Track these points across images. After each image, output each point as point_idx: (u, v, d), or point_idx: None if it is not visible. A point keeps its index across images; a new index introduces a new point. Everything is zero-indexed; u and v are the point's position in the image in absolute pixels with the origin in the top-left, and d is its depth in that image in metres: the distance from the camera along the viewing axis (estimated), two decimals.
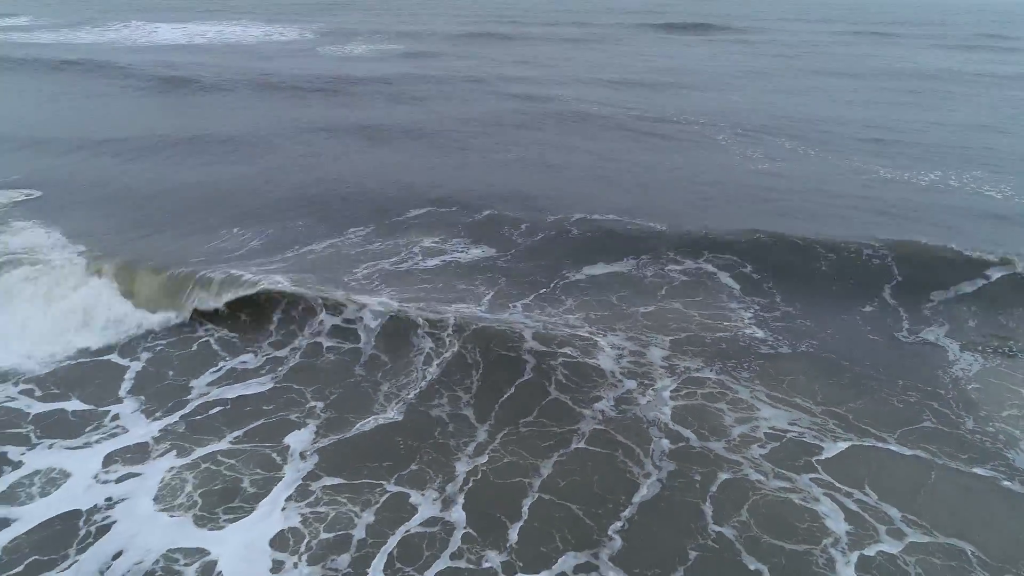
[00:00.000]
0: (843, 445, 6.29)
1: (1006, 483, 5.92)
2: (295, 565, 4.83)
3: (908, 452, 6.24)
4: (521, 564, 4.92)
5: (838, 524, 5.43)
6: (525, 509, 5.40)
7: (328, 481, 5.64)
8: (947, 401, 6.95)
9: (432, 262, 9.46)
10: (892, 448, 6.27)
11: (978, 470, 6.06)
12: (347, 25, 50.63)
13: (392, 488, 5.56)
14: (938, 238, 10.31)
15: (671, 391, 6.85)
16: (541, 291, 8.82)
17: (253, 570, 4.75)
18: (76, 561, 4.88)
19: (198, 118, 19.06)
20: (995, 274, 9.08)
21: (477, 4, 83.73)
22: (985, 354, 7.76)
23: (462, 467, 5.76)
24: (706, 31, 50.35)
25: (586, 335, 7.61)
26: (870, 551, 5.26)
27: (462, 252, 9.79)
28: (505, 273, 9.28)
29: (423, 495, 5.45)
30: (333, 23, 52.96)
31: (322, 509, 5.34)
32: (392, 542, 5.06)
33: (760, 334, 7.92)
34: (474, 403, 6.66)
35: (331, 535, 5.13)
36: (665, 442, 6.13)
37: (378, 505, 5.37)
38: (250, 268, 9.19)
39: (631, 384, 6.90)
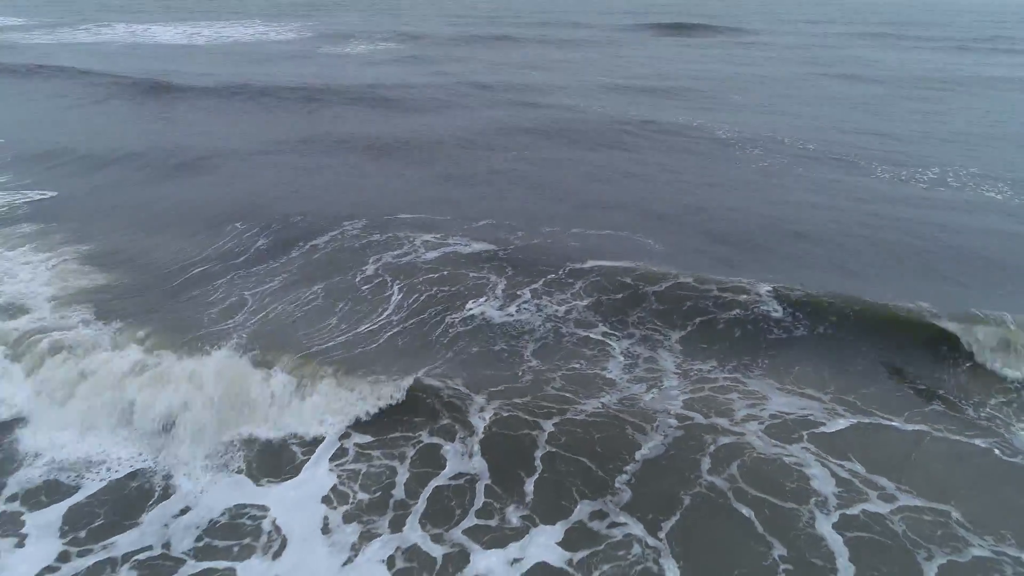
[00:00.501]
0: (842, 423, 6.90)
1: (997, 454, 6.54)
2: (343, 519, 5.62)
3: (909, 428, 6.85)
4: (537, 517, 5.68)
5: (826, 486, 6.08)
6: (538, 461, 6.10)
7: (360, 439, 6.32)
8: (952, 388, 7.54)
9: (433, 254, 10.12)
10: (894, 425, 6.88)
11: (974, 442, 6.67)
12: (345, 26, 51.22)
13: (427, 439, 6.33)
14: (958, 251, 10.96)
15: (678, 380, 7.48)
16: (549, 276, 9.40)
17: (309, 523, 5.52)
18: (143, 521, 5.57)
19: (192, 126, 19.85)
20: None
21: (477, 4, 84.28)
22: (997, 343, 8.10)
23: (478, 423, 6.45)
24: (707, 32, 51.00)
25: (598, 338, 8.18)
26: (854, 510, 5.87)
27: (463, 247, 10.39)
28: (510, 263, 9.87)
29: (451, 445, 6.22)
30: (331, 24, 53.52)
31: (357, 466, 6.06)
32: (423, 497, 5.75)
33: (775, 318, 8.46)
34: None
35: (367, 496, 5.90)
36: (668, 419, 6.81)
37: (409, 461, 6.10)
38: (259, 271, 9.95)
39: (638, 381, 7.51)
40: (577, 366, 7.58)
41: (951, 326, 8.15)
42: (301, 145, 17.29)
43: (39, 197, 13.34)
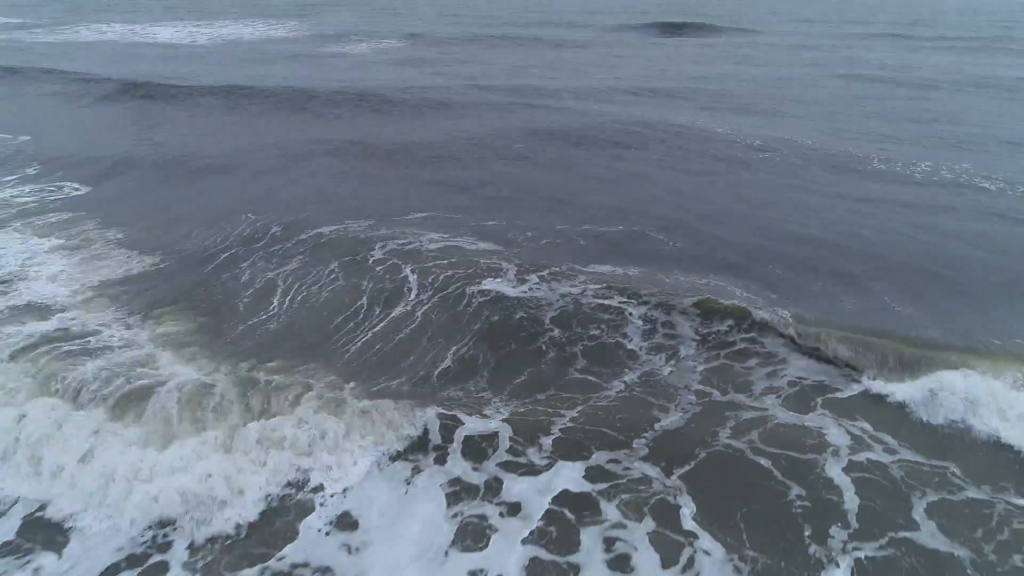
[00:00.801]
0: (856, 388, 7.52)
1: None
2: (390, 459, 6.43)
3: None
4: (559, 459, 6.46)
5: (840, 440, 6.72)
6: (557, 429, 6.87)
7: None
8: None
9: (437, 246, 10.76)
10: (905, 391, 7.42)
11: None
12: (349, 26, 52.03)
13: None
14: None
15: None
16: (556, 268, 9.93)
17: (363, 464, 6.37)
18: None
19: (197, 127, 20.59)
20: None
21: (479, 4, 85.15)
22: None
23: (494, 405, 7.24)
24: (711, 33, 51.85)
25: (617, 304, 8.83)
26: (860, 457, 6.54)
27: (470, 245, 10.91)
28: (518, 256, 10.38)
29: (469, 416, 6.99)
30: (335, 24, 54.26)
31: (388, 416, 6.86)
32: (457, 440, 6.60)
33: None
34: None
35: (407, 441, 6.66)
36: (688, 395, 7.48)
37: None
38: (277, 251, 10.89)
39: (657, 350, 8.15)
40: (596, 332, 8.24)
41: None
42: (302, 147, 17.86)
43: (74, 193, 14.39)
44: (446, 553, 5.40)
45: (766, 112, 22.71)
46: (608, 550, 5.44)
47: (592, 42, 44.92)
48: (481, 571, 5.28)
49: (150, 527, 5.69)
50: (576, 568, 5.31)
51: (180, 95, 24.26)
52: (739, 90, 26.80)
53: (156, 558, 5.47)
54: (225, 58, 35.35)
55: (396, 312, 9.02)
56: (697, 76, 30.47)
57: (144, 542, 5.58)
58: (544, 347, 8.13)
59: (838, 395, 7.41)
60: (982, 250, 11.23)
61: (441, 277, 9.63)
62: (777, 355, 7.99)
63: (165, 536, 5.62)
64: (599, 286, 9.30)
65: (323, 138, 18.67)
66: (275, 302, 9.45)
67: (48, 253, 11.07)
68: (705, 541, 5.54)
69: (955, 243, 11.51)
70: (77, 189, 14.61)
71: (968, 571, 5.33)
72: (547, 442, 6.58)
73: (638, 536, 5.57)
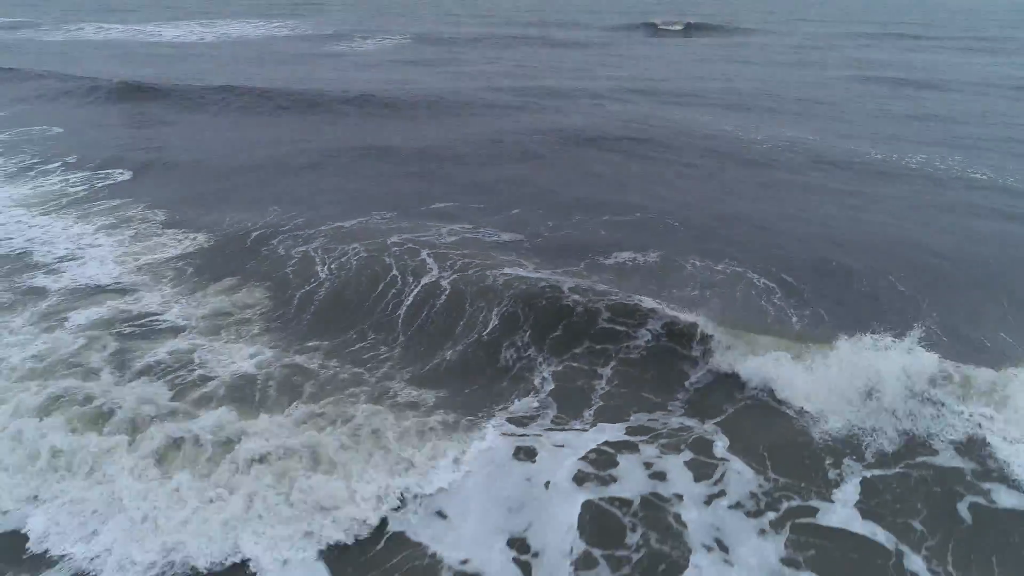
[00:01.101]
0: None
1: None
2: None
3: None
4: (603, 420, 7.18)
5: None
6: (597, 397, 7.61)
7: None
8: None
9: (453, 239, 11.33)
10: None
11: None
12: (348, 25, 52.70)
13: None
14: None
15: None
16: (566, 267, 10.43)
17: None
18: None
19: (211, 129, 21.14)
20: None
21: (484, 4, 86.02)
22: None
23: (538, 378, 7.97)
24: (716, 33, 52.74)
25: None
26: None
27: (492, 238, 11.50)
28: (536, 251, 10.93)
29: (515, 396, 7.67)
30: (334, 23, 54.93)
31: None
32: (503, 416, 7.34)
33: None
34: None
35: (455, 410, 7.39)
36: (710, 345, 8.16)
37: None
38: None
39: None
40: (615, 294, 8.98)
41: None
42: (316, 147, 18.30)
43: (120, 178, 15.39)
44: (502, 465, 6.23)
45: (769, 111, 23.42)
46: (647, 468, 6.27)
47: (596, 42, 45.80)
48: (533, 478, 6.15)
49: None
50: (615, 479, 6.14)
51: (192, 95, 24.75)
52: (742, 89, 27.54)
53: None
54: (233, 58, 36.01)
55: (426, 280, 9.72)
56: (701, 76, 31.29)
57: None
58: (571, 304, 8.78)
59: None
60: (980, 246, 11.69)
61: (459, 263, 10.20)
62: (789, 316, 8.77)
63: None
64: (612, 275, 10.02)
65: (335, 137, 19.28)
66: (318, 271, 10.29)
67: (100, 235, 11.95)
68: (736, 464, 6.33)
69: (952, 239, 11.95)
70: (123, 174, 15.60)
71: (968, 478, 6.09)
72: (588, 414, 7.25)
73: (674, 463, 6.37)
